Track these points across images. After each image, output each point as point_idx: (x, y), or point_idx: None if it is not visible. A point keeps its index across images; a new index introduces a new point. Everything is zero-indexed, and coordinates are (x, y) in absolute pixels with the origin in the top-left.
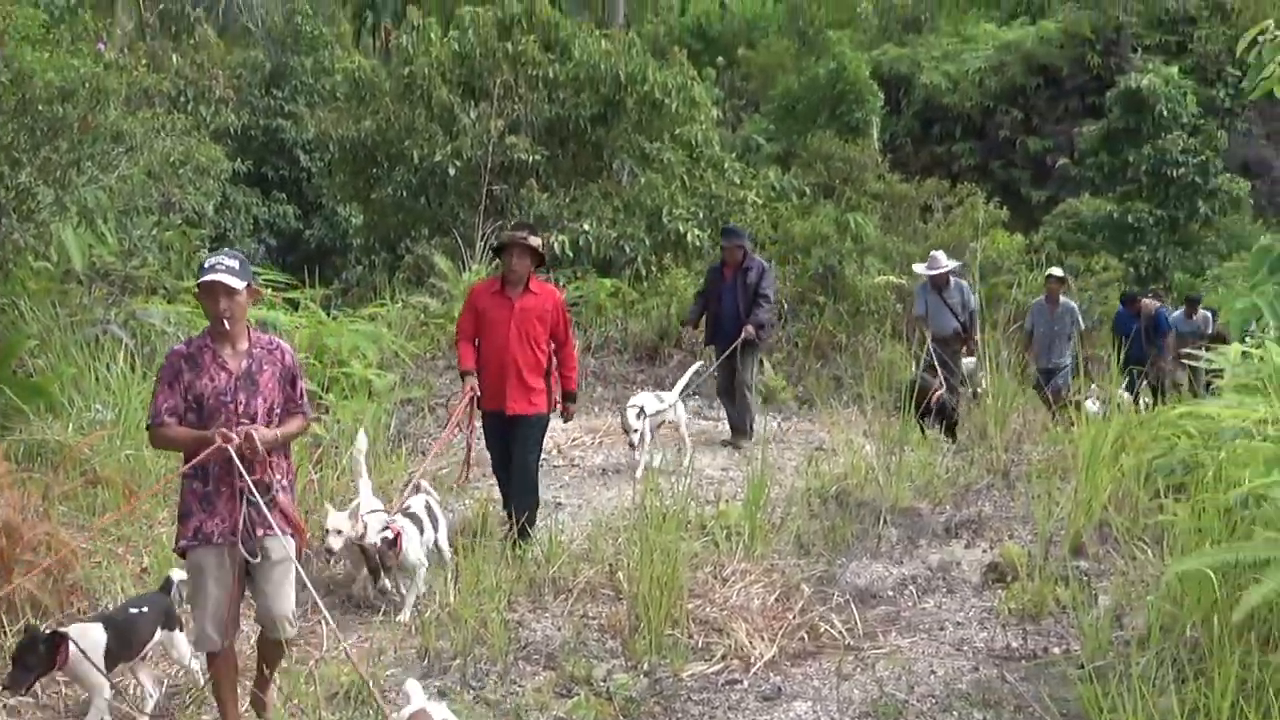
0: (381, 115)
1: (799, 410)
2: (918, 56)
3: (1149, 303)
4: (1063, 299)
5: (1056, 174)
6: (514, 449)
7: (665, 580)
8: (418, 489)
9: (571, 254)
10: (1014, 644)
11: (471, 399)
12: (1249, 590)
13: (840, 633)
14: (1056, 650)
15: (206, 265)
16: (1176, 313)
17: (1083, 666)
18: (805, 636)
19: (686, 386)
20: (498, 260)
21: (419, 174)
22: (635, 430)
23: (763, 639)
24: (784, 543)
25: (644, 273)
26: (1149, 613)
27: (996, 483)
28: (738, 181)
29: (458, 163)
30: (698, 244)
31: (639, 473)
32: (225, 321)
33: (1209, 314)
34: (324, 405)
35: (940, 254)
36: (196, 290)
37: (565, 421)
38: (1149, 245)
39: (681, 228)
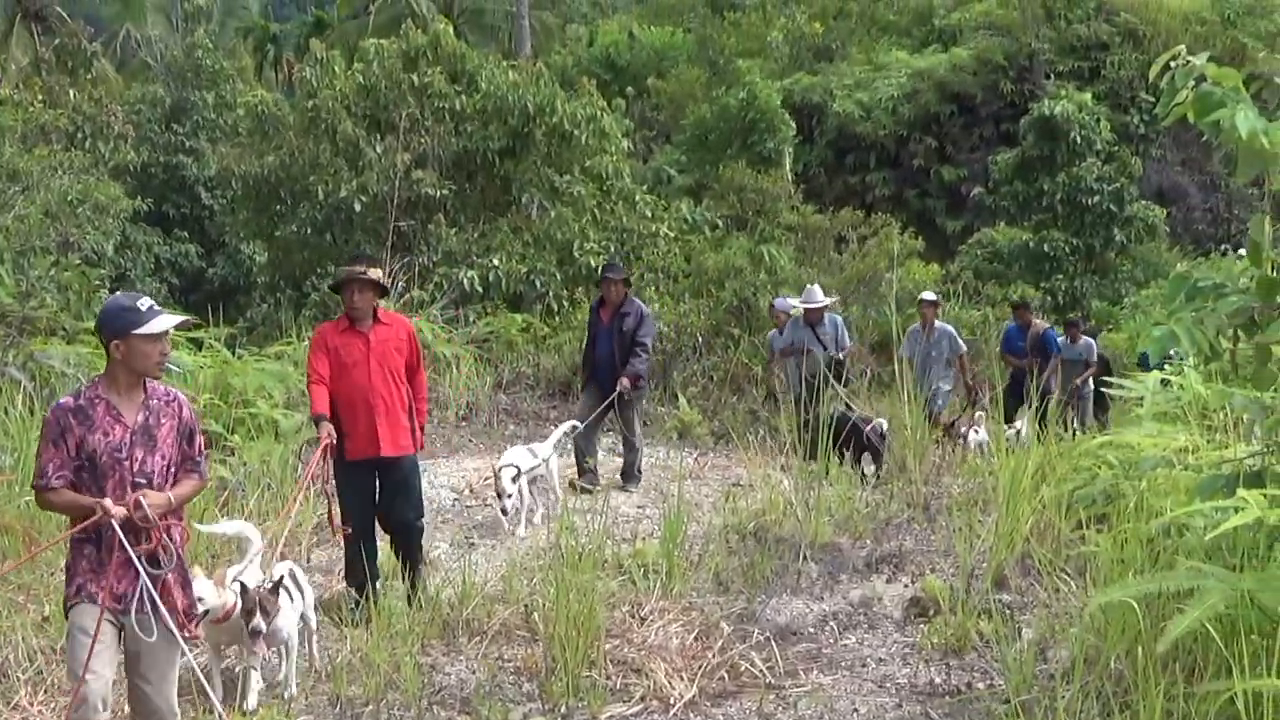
0: (285, 150)
1: (715, 445)
2: (830, 85)
3: (1038, 322)
4: (938, 324)
5: (972, 203)
6: (393, 502)
7: (582, 620)
8: (281, 557)
9: (482, 289)
10: (937, 680)
11: (327, 448)
12: (1173, 620)
13: (761, 671)
14: (981, 685)
15: (148, 308)
16: (1062, 338)
17: (1008, 701)
18: (725, 676)
19: (561, 441)
20: (347, 291)
21: (324, 210)
22: (509, 496)
23: (682, 679)
24: (702, 580)
25: (555, 308)
26: (1073, 645)
27: (917, 516)
28: (649, 214)
29: (363, 198)
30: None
31: (521, 529)
32: (159, 367)
33: (1091, 341)
34: (229, 447)
35: (817, 288)
36: (143, 335)
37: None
38: (1066, 274)
39: (593, 261)
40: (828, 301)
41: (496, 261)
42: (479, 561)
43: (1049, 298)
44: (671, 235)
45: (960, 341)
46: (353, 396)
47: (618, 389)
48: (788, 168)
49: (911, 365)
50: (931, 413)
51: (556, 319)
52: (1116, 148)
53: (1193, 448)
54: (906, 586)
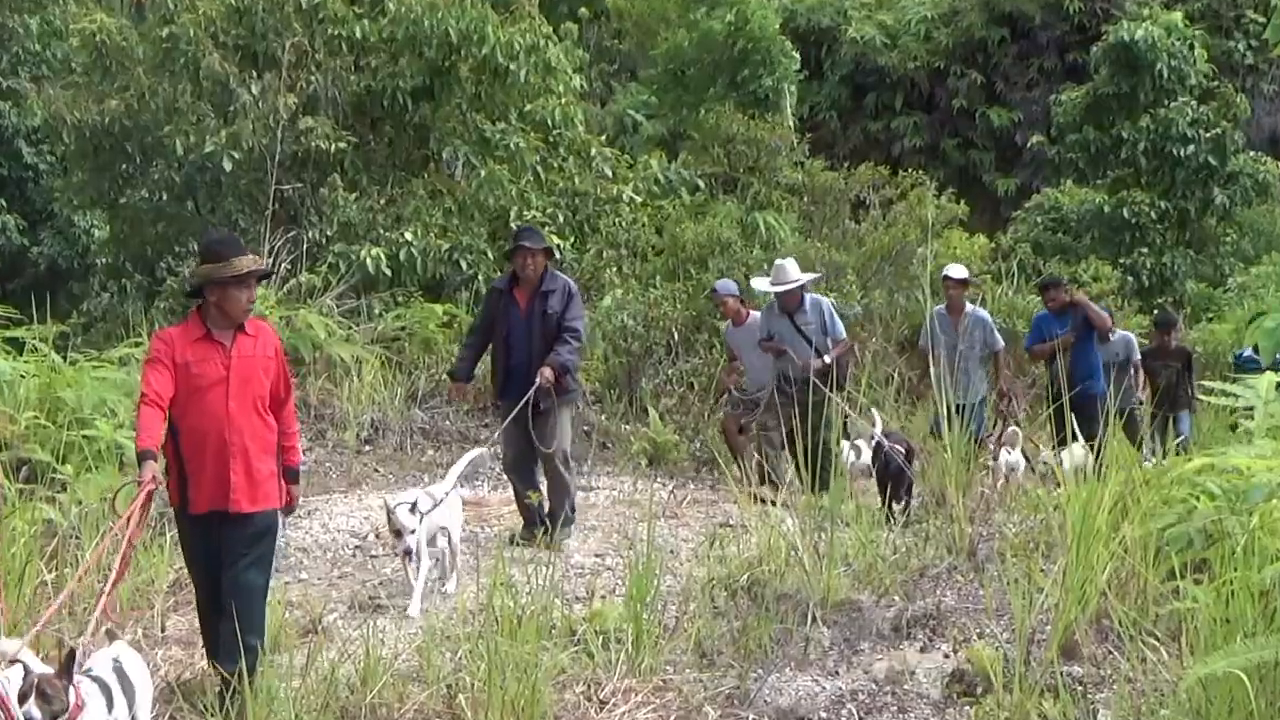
0: (133, 93)
1: (696, 474)
2: (844, 3)
3: (1083, 300)
4: (970, 308)
5: (1029, 156)
6: (234, 570)
7: (522, 706)
8: (111, 636)
9: (390, 272)
10: None
11: (150, 496)
12: None
13: None
14: None
15: None
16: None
17: None
18: None
19: (460, 477)
20: (218, 294)
21: (184, 170)
22: (411, 532)
23: None
24: (680, 651)
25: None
26: None
27: (960, 564)
28: (609, 173)
29: (235, 154)
30: (558, 257)
31: (415, 606)
32: None
33: (1128, 336)
34: (59, 480)
35: (790, 263)
36: None
37: (288, 514)
38: (1151, 247)
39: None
40: (805, 279)
41: (410, 235)
42: (387, 628)
43: (1129, 278)
44: (639, 200)
45: (997, 335)
46: (202, 431)
47: (538, 381)
48: (789, 112)
49: (934, 362)
50: (973, 434)
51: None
52: (1216, 83)
53: None
54: (947, 657)
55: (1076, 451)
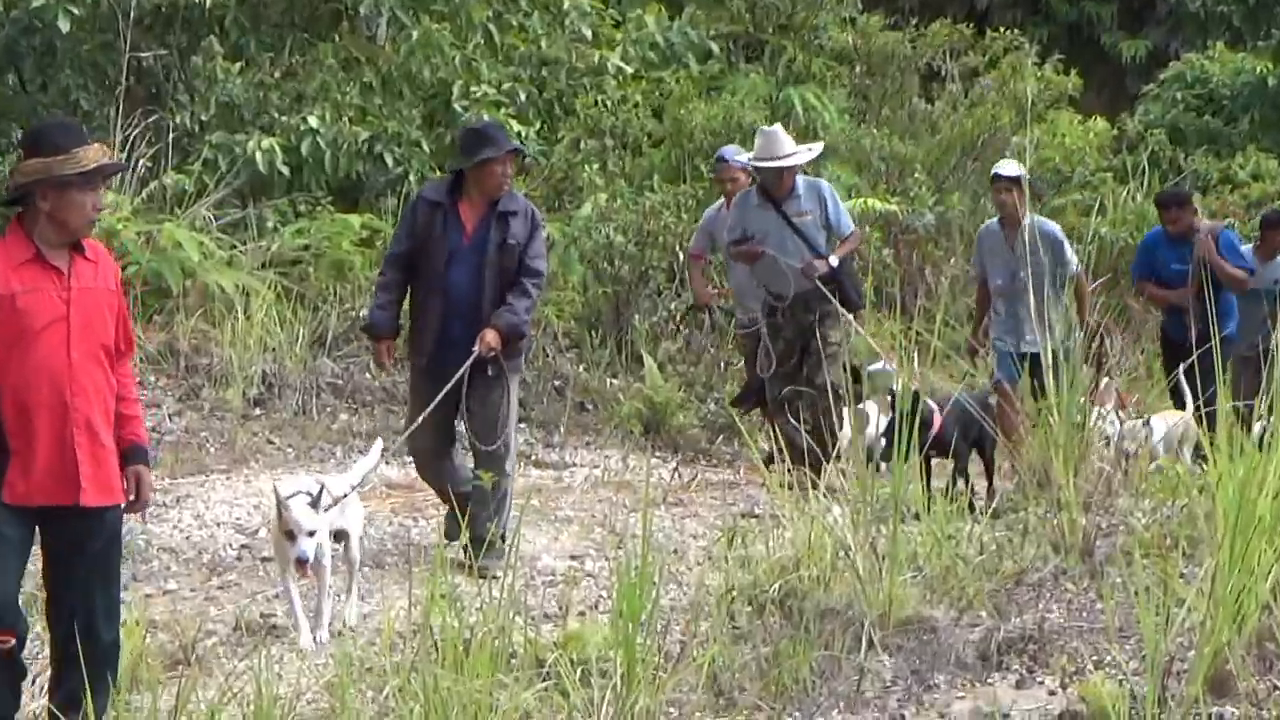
0: None
1: (710, 446)
2: None
3: (1206, 222)
4: (1031, 218)
5: (1165, 9)
6: (83, 594)
7: None
8: None
9: (288, 171)
10: None
11: None
12: None
13: None
14: None
15: None
16: (1247, 246)
17: None
18: None
19: (370, 473)
20: (52, 199)
21: (3, 32)
22: (310, 534)
23: None
24: (688, 687)
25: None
26: None
27: (1070, 569)
28: (589, 34)
29: (75, 9)
30: (521, 148)
31: (306, 636)
32: None
33: None
34: None
35: (781, 131)
36: None
37: (133, 510)
38: None
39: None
40: (804, 154)
41: (314, 121)
42: (286, 658)
43: None
44: (629, 71)
45: (1070, 252)
46: (34, 387)
47: (476, 352)
48: None
49: (985, 293)
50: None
51: None
52: None
53: None
54: (1053, 694)
55: (1171, 419)
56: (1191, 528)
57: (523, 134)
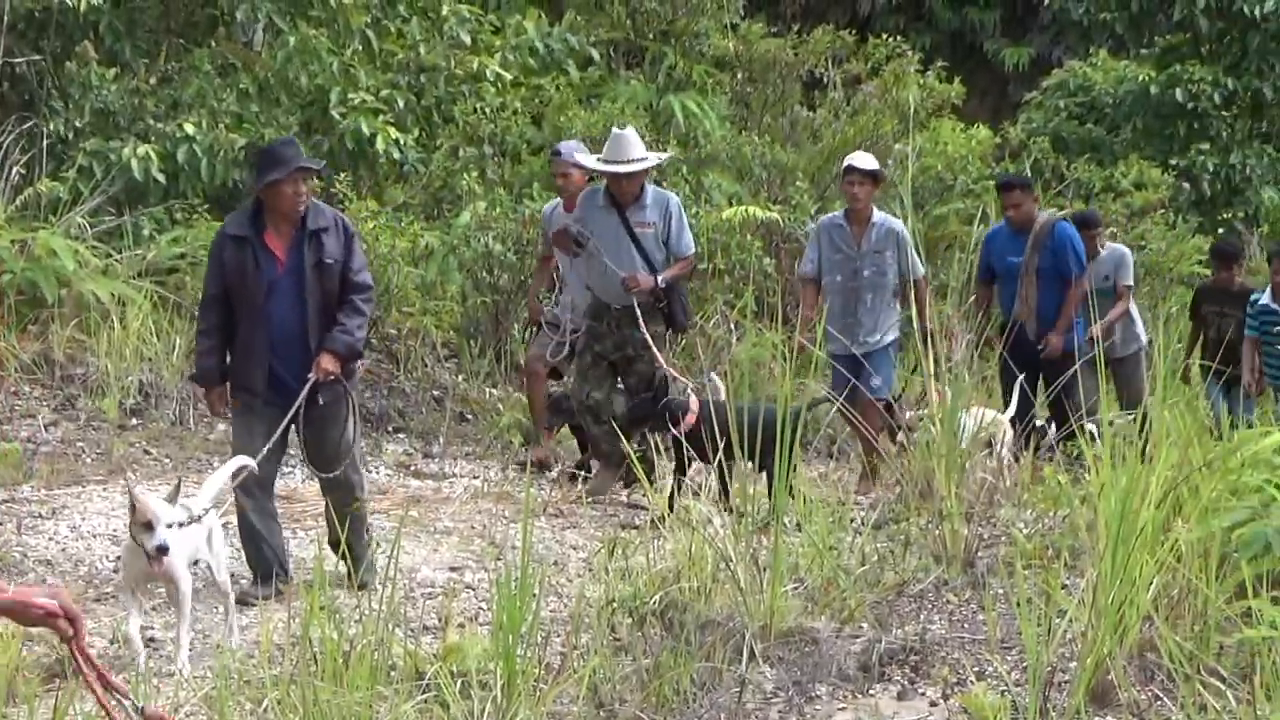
0: None
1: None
2: None
3: (1046, 215)
4: (877, 215)
5: (1048, 16)
6: None
7: None
8: None
9: (164, 178)
10: None
11: None
12: None
13: None
14: None
15: None
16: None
17: None
18: None
19: (222, 493)
20: None
21: None
22: (169, 526)
23: None
24: (568, 699)
25: None
26: None
27: (952, 580)
28: (467, 40)
29: None
30: (397, 157)
31: (184, 655)
32: None
33: (1122, 251)
34: None
35: (633, 134)
36: None
37: None
38: (1215, 143)
39: (366, 127)
40: (652, 160)
41: (191, 128)
42: (163, 670)
43: (1185, 185)
44: (508, 78)
45: (917, 255)
46: None
47: (313, 378)
48: None
49: (823, 293)
50: (872, 394)
51: None
52: None
53: None
54: (935, 705)
55: (986, 417)
56: (1073, 538)
57: (404, 143)
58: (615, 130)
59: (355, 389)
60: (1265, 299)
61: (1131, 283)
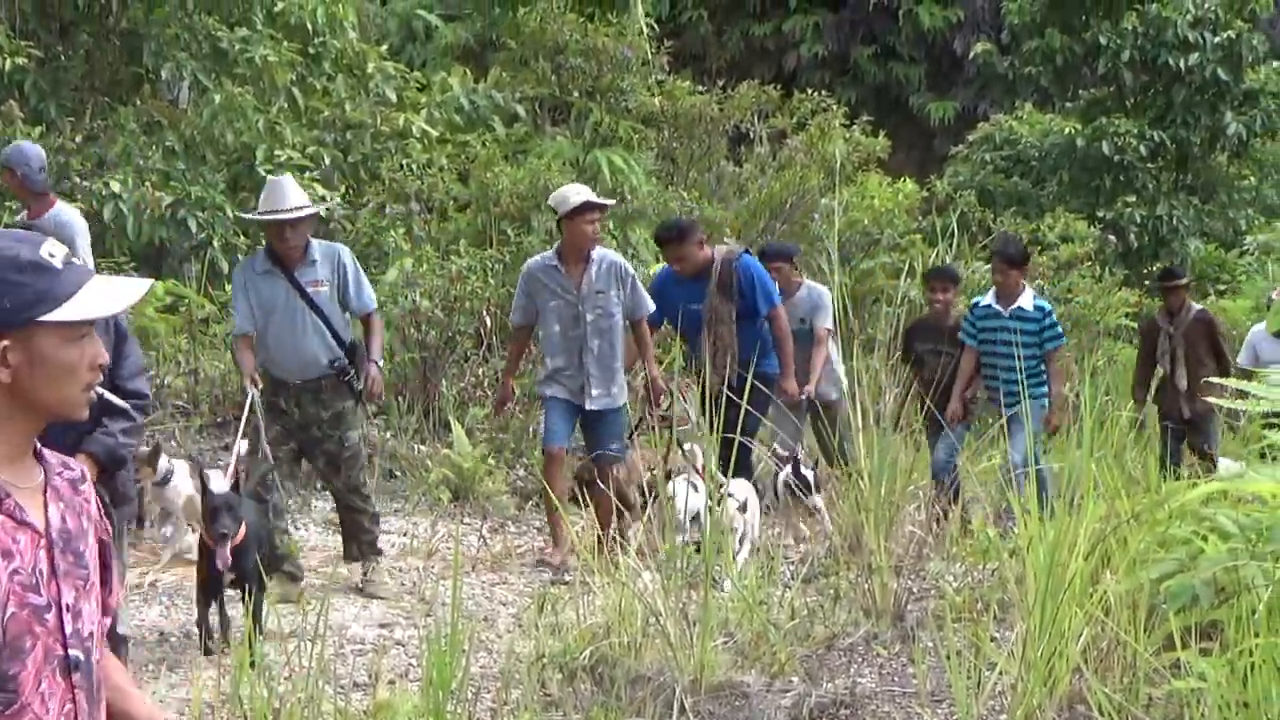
0: None
1: (519, 513)
2: None
3: (724, 249)
4: (596, 251)
5: (972, 70)
6: None
7: None
8: None
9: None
10: None
11: None
12: None
13: None
14: None
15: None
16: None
17: None
18: None
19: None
20: None
21: None
22: None
23: None
24: None
25: (227, 265)
26: None
27: (882, 633)
28: (393, 97)
29: None
30: (324, 215)
31: None
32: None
33: (819, 290)
34: None
35: (285, 180)
36: None
37: None
38: (1141, 195)
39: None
40: (315, 208)
41: (116, 186)
42: None
43: (1112, 237)
44: (435, 135)
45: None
46: None
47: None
48: (642, 13)
49: (547, 338)
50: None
51: (226, 287)
52: None
53: None
54: None
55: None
56: (1002, 591)
57: (327, 198)
58: (271, 178)
59: (128, 519)
60: (988, 299)
61: (831, 326)
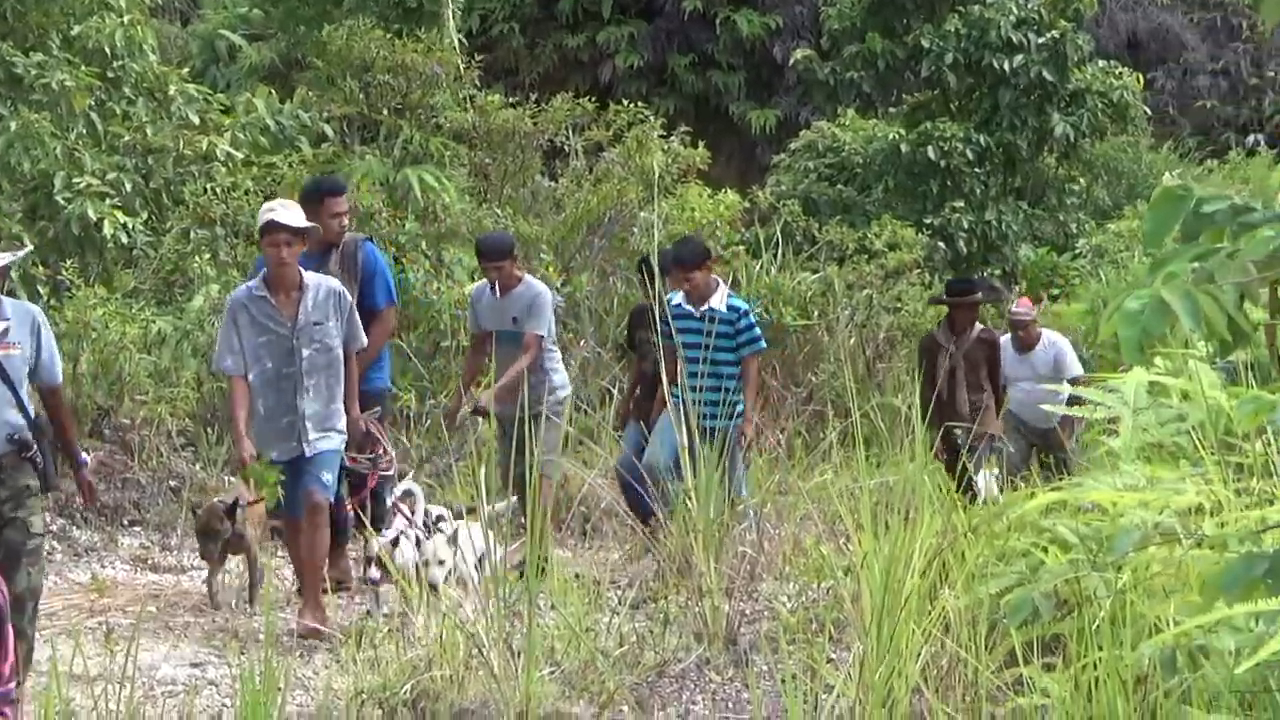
0: None
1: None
2: None
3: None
4: (311, 276)
5: (793, 77)
6: None
7: None
8: None
9: None
10: None
11: None
12: None
13: None
14: None
15: None
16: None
17: None
18: None
19: None
20: None
21: None
22: None
23: None
24: None
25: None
26: None
27: (715, 658)
28: (196, 120)
29: None
30: (125, 241)
31: None
32: None
33: (541, 291)
34: None
35: None
36: None
37: None
38: (969, 200)
39: (93, 211)
40: (5, 259)
41: None
42: None
43: (941, 244)
44: (240, 157)
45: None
46: None
47: None
48: (453, 25)
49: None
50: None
51: None
52: None
53: (1211, 506)
54: None
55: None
56: (838, 610)
57: (132, 227)
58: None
59: None
60: (678, 298)
61: (543, 332)
